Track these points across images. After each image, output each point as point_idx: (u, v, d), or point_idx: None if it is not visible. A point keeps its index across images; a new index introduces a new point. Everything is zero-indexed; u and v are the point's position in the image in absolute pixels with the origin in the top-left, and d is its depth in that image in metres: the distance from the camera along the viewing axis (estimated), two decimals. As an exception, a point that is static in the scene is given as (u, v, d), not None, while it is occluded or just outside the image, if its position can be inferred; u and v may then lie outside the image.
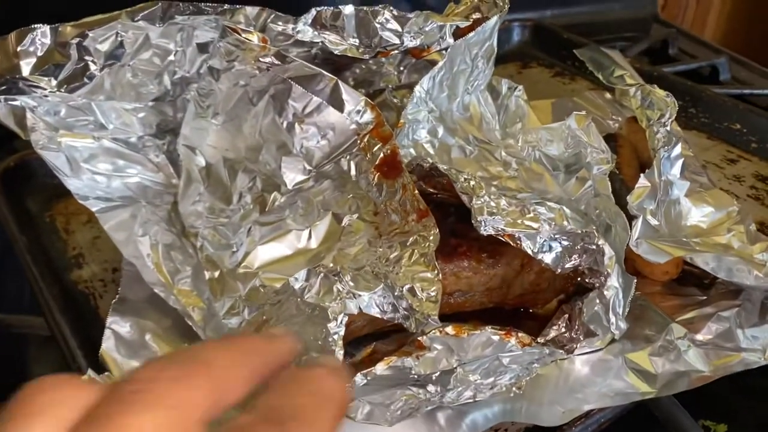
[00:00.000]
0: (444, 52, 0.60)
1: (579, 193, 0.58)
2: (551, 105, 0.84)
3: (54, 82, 0.53)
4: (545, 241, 0.49)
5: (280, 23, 0.56)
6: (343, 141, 0.52)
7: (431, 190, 0.55)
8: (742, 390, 0.56)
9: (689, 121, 0.89)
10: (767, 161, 0.81)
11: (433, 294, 0.45)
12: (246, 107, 0.54)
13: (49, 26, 0.52)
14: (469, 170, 0.59)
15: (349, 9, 0.57)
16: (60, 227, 0.68)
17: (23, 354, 0.63)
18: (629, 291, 0.51)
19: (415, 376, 0.46)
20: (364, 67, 0.68)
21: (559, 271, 0.49)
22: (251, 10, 0.56)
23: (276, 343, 0.24)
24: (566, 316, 0.51)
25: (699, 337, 0.53)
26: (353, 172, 0.52)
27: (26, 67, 0.52)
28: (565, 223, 0.49)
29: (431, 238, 0.47)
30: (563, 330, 0.50)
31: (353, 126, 0.52)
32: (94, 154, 0.56)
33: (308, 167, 0.53)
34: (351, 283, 0.46)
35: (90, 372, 0.45)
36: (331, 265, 0.48)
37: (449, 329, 0.45)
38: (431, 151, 0.61)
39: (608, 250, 0.49)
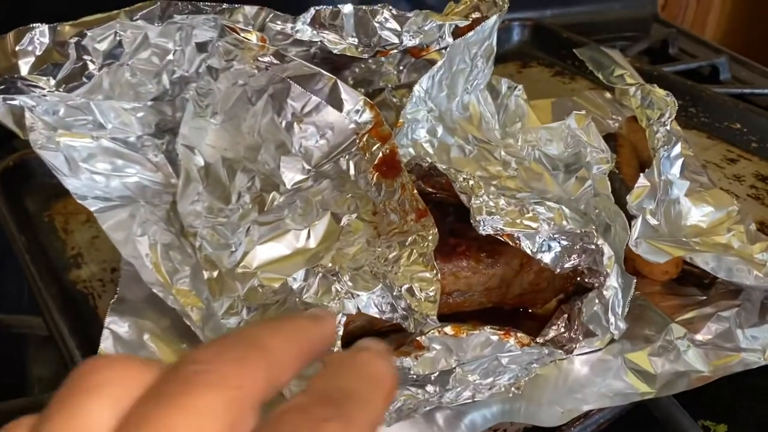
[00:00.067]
0: (443, 51, 0.60)
1: (578, 193, 0.58)
2: (551, 104, 0.84)
3: (52, 82, 0.53)
4: (544, 240, 0.48)
5: (278, 22, 0.56)
6: (342, 140, 0.52)
7: (430, 190, 0.55)
8: (742, 390, 0.56)
9: (689, 120, 0.89)
10: (767, 161, 0.81)
11: (431, 294, 0.45)
12: (245, 107, 0.54)
13: (47, 25, 0.52)
14: (469, 170, 0.59)
15: (348, 8, 0.57)
16: (59, 227, 0.68)
17: (22, 354, 0.62)
18: (629, 291, 0.51)
19: (414, 376, 0.45)
20: (363, 66, 0.68)
21: (558, 270, 0.49)
22: (250, 10, 0.55)
23: (321, 323, 0.24)
24: (565, 316, 0.51)
25: (699, 337, 0.53)
26: (352, 171, 0.52)
27: (25, 66, 0.52)
28: (564, 222, 0.49)
29: (430, 237, 0.47)
30: (562, 330, 0.50)
31: (352, 125, 0.52)
32: (92, 154, 0.56)
33: (307, 167, 0.53)
34: (349, 283, 0.46)
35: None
36: (330, 265, 0.48)
37: (448, 329, 0.45)
38: (430, 151, 0.61)
39: (607, 250, 0.49)
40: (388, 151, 0.51)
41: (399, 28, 0.58)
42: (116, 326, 0.51)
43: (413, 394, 0.46)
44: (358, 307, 0.45)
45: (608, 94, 0.83)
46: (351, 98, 0.52)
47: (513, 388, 0.48)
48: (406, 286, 0.45)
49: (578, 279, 0.52)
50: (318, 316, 0.24)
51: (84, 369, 0.21)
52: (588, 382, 0.50)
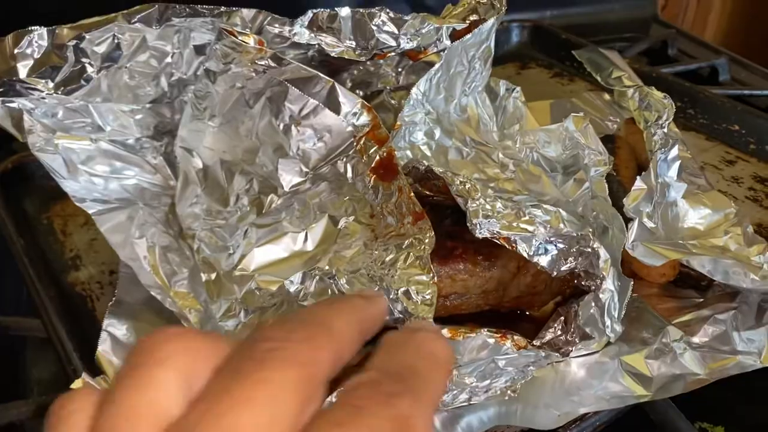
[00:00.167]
0: (441, 53, 0.60)
1: (576, 195, 0.58)
2: (550, 106, 0.84)
3: (51, 84, 0.53)
4: (541, 244, 0.49)
5: (276, 25, 0.56)
6: (340, 143, 0.52)
7: (427, 193, 0.55)
8: (739, 392, 0.56)
9: (688, 122, 0.89)
10: (766, 162, 0.81)
11: (428, 297, 0.45)
12: (242, 109, 0.54)
13: (46, 28, 0.52)
14: (466, 172, 0.59)
15: (345, 11, 0.57)
16: (57, 229, 0.68)
17: (21, 356, 0.63)
18: (625, 293, 0.51)
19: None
20: (361, 68, 0.68)
21: (554, 273, 0.49)
22: (247, 13, 0.56)
23: (374, 304, 0.25)
24: (562, 318, 0.51)
25: (695, 339, 0.53)
26: (350, 174, 0.52)
27: (23, 69, 0.52)
28: (561, 225, 0.49)
29: (426, 240, 0.47)
30: (559, 333, 0.50)
31: (350, 128, 0.52)
32: (91, 156, 0.56)
33: (305, 169, 0.53)
34: (346, 286, 0.46)
35: (84, 375, 0.45)
36: (327, 267, 0.48)
37: (445, 332, 0.45)
38: (428, 153, 0.61)
39: (603, 254, 0.49)
40: (385, 154, 0.51)
41: (396, 31, 0.58)
42: (114, 329, 0.52)
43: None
44: (354, 310, 0.45)
45: (607, 96, 0.84)
46: (348, 101, 0.52)
47: (509, 391, 0.48)
48: (402, 289, 0.45)
49: (575, 282, 0.52)
50: (371, 296, 0.25)
51: (153, 340, 0.22)
52: (585, 385, 0.50)
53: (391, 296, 0.46)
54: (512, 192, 0.57)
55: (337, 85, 0.51)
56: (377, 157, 0.51)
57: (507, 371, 0.48)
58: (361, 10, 0.57)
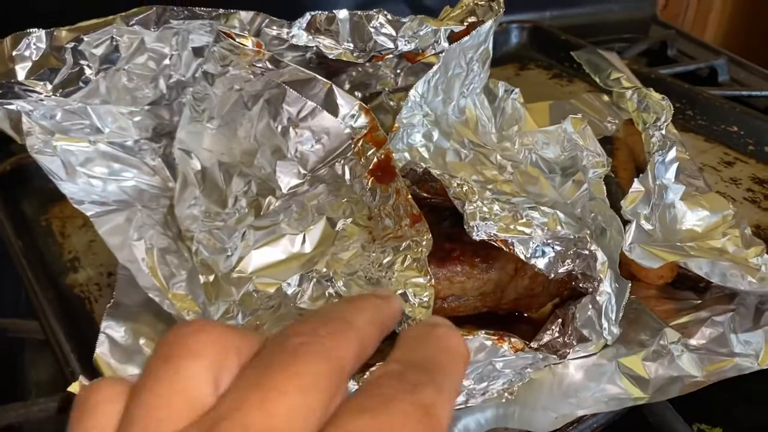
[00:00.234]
0: (439, 55, 0.60)
1: (575, 197, 0.58)
2: (549, 107, 0.84)
3: (49, 87, 0.53)
4: (538, 246, 0.49)
5: (274, 27, 0.56)
6: (338, 145, 0.52)
7: (425, 195, 0.55)
8: (737, 393, 0.56)
9: (686, 123, 0.89)
10: (764, 164, 0.81)
11: (425, 299, 0.45)
12: (241, 111, 0.54)
13: (44, 30, 0.52)
14: (464, 174, 0.59)
15: (343, 13, 0.57)
16: (56, 231, 0.68)
17: (19, 358, 0.63)
18: (623, 296, 0.51)
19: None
20: (360, 70, 0.68)
21: (552, 276, 0.49)
22: (246, 15, 0.56)
23: (391, 302, 0.26)
24: (559, 320, 0.51)
25: (693, 341, 0.53)
26: (347, 176, 0.52)
27: (21, 71, 0.52)
28: (559, 228, 0.49)
29: (424, 243, 0.47)
30: (556, 335, 0.50)
31: (347, 130, 0.52)
32: (89, 158, 0.56)
33: (303, 171, 0.53)
34: (343, 289, 0.46)
35: (81, 378, 0.45)
36: (324, 270, 0.48)
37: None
38: (426, 155, 0.61)
39: (600, 256, 0.49)
40: (382, 156, 0.51)
41: (394, 33, 0.59)
42: (112, 331, 0.52)
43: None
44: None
45: (606, 97, 0.83)
46: (346, 103, 0.52)
47: (506, 394, 0.48)
48: (399, 292, 0.46)
49: (573, 284, 0.52)
50: (387, 296, 0.26)
51: (183, 332, 0.22)
52: (582, 387, 0.50)
53: (395, 322, 0.46)
54: (510, 194, 0.57)
55: (334, 87, 0.51)
56: (375, 159, 0.51)
57: (504, 373, 0.48)
58: (358, 12, 0.57)
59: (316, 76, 0.51)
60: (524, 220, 0.49)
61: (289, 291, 0.48)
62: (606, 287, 0.49)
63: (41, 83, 0.53)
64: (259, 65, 0.52)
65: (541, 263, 0.49)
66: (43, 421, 0.51)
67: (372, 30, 0.58)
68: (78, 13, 0.54)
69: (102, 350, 0.50)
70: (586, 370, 0.51)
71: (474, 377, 0.47)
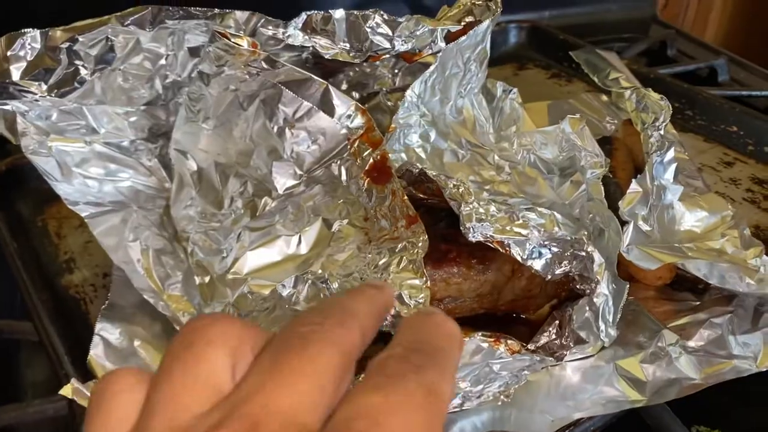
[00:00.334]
0: (437, 55, 0.60)
1: (573, 197, 0.58)
2: (547, 107, 0.83)
3: (44, 87, 0.53)
4: (534, 247, 0.48)
5: (270, 27, 0.56)
6: (334, 146, 0.52)
7: (421, 196, 0.55)
8: (735, 396, 0.56)
9: (686, 123, 0.88)
10: (763, 164, 0.81)
11: (421, 301, 0.45)
12: (236, 112, 0.54)
13: (39, 31, 0.52)
14: (461, 175, 0.59)
15: (339, 13, 0.57)
16: (52, 231, 0.68)
17: (15, 359, 0.62)
18: (621, 297, 0.51)
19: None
20: (358, 69, 0.68)
21: (549, 277, 0.49)
22: (241, 15, 0.55)
23: (384, 293, 0.28)
24: (557, 322, 0.50)
25: (691, 343, 0.52)
26: (344, 177, 0.52)
27: (16, 71, 0.52)
28: (556, 229, 0.49)
29: (420, 244, 0.46)
30: (554, 337, 0.50)
31: (344, 131, 0.51)
32: (85, 159, 0.55)
33: (299, 172, 0.53)
34: (339, 290, 0.46)
35: (74, 381, 0.45)
36: (320, 271, 0.48)
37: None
38: (423, 156, 0.61)
39: (598, 257, 0.49)
40: (378, 157, 0.50)
41: (390, 33, 0.58)
42: (106, 333, 0.51)
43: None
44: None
45: (605, 97, 0.83)
46: (343, 103, 0.51)
47: (502, 396, 0.48)
48: (395, 293, 0.45)
49: (571, 285, 0.52)
50: (381, 286, 0.28)
51: (199, 324, 0.24)
52: (580, 390, 0.50)
53: (389, 311, 0.45)
54: (507, 194, 0.57)
55: (331, 88, 0.51)
56: (371, 160, 0.51)
57: (501, 375, 0.48)
58: (355, 12, 0.57)
59: (312, 76, 0.51)
60: (521, 221, 0.48)
61: (284, 293, 0.48)
62: (603, 289, 0.49)
63: (36, 83, 0.53)
64: (255, 65, 0.52)
65: (537, 265, 0.49)
66: (38, 423, 0.51)
67: (368, 30, 0.58)
68: (78, 13, 0.53)
69: (96, 352, 0.50)
70: (584, 372, 0.51)
71: (470, 379, 0.47)
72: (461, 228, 0.48)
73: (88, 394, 0.44)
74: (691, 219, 0.58)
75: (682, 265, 0.53)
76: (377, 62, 0.65)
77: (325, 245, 0.51)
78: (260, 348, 0.24)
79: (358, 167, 0.51)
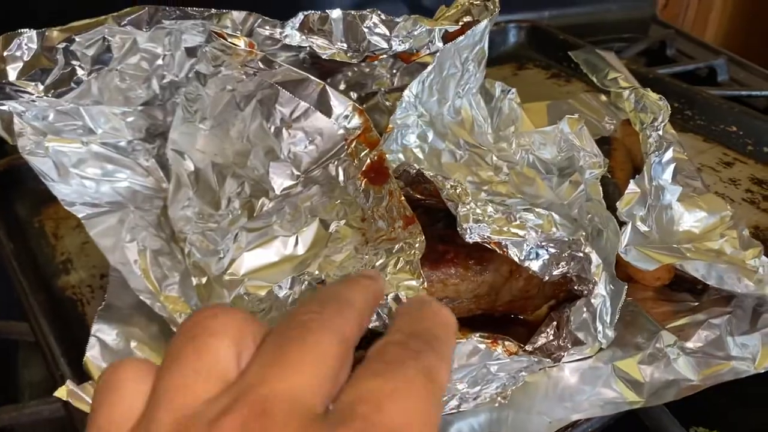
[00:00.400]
0: (435, 55, 0.59)
1: (572, 197, 0.57)
2: (546, 107, 0.83)
3: (41, 87, 0.53)
4: (532, 248, 0.48)
5: (267, 27, 0.56)
6: (331, 146, 0.52)
7: (418, 196, 0.54)
8: (733, 397, 0.56)
9: (685, 123, 0.88)
10: (763, 164, 0.81)
11: (418, 302, 0.45)
12: (233, 112, 0.53)
13: (35, 31, 0.52)
14: (459, 175, 0.59)
15: (336, 13, 0.56)
16: (49, 232, 0.68)
17: (12, 359, 0.62)
18: (619, 298, 0.51)
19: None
20: (356, 70, 0.67)
21: (546, 278, 0.49)
22: (238, 15, 0.55)
23: (376, 283, 0.29)
24: (554, 323, 0.50)
25: (689, 344, 0.52)
26: (341, 177, 0.52)
27: (13, 72, 0.52)
28: (554, 229, 0.49)
29: (417, 245, 0.46)
30: (551, 338, 0.50)
31: (341, 131, 0.51)
32: (82, 159, 0.55)
33: (296, 172, 0.53)
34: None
35: (69, 382, 0.44)
36: (317, 272, 0.48)
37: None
38: (420, 156, 0.61)
39: (595, 258, 0.49)
40: (376, 157, 0.50)
41: (388, 33, 0.58)
42: (103, 334, 0.51)
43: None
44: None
45: (604, 97, 0.83)
46: (340, 103, 0.51)
47: (499, 398, 0.48)
48: (392, 294, 0.45)
49: (569, 286, 0.52)
50: (373, 276, 0.29)
51: (202, 316, 0.25)
52: (577, 391, 0.50)
53: (381, 301, 0.45)
54: (505, 195, 0.57)
55: (328, 88, 0.51)
56: (368, 161, 0.51)
57: (499, 377, 0.47)
58: (352, 12, 0.57)
59: (309, 76, 0.51)
60: (518, 222, 0.48)
61: (281, 294, 0.48)
62: (600, 290, 0.49)
63: (33, 84, 0.52)
64: (252, 65, 0.52)
65: (535, 265, 0.48)
66: (35, 425, 0.51)
67: (366, 30, 0.57)
68: (78, 13, 0.53)
69: (92, 353, 0.50)
70: (582, 374, 0.51)
71: (468, 381, 0.47)
72: (458, 229, 0.48)
73: (83, 395, 0.44)
74: (689, 219, 0.58)
75: (680, 265, 0.53)
76: (375, 62, 0.65)
77: (322, 246, 0.51)
78: (261, 338, 0.25)
79: (355, 168, 0.51)
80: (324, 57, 0.57)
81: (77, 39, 0.53)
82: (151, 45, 0.55)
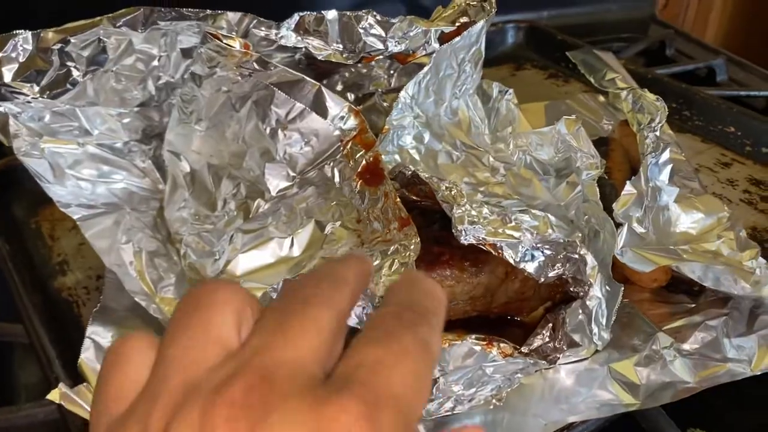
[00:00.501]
0: (431, 56, 0.59)
1: (569, 198, 0.57)
2: (544, 108, 0.83)
3: (36, 88, 0.53)
4: (527, 250, 0.48)
5: (262, 28, 0.56)
6: (327, 147, 0.52)
7: (414, 198, 0.54)
8: (730, 398, 0.56)
9: (683, 124, 0.88)
10: (761, 165, 0.81)
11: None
12: (229, 113, 0.53)
13: (30, 32, 0.52)
14: (455, 176, 0.58)
15: (332, 14, 0.56)
16: (45, 233, 0.68)
17: (8, 359, 0.62)
18: (615, 299, 0.51)
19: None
20: (353, 71, 0.67)
21: (542, 280, 0.49)
22: (233, 16, 0.55)
23: (365, 263, 0.29)
24: (550, 325, 0.50)
25: (685, 346, 0.52)
26: (337, 178, 0.52)
27: (8, 73, 0.52)
28: (549, 231, 0.49)
29: (412, 247, 0.46)
30: (547, 340, 0.50)
31: (337, 132, 0.51)
32: (78, 160, 0.55)
33: (292, 174, 0.52)
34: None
35: (62, 385, 0.44)
36: (312, 274, 0.48)
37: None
38: (417, 157, 0.61)
39: (590, 260, 0.49)
40: (371, 158, 0.50)
41: (384, 34, 0.58)
42: (98, 336, 0.51)
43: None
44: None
45: (602, 98, 0.83)
46: (336, 104, 0.51)
47: (494, 400, 0.48)
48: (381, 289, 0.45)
49: (565, 287, 0.52)
50: (361, 257, 0.30)
51: (204, 290, 0.25)
52: (573, 393, 0.50)
53: (375, 303, 0.45)
54: (502, 196, 0.57)
55: (323, 89, 0.51)
56: (364, 162, 0.50)
57: (494, 379, 0.47)
58: (347, 12, 0.57)
59: (305, 77, 0.51)
60: (513, 223, 0.48)
61: (275, 296, 0.47)
62: (596, 292, 0.49)
63: (28, 85, 0.52)
64: (247, 66, 0.52)
65: (530, 267, 0.48)
66: (30, 427, 0.51)
67: (361, 31, 0.57)
68: (78, 13, 0.53)
69: (87, 356, 0.50)
70: (578, 375, 0.51)
71: (463, 383, 0.47)
72: (453, 230, 0.48)
73: (76, 398, 0.44)
74: (686, 221, 0.58)
75: (676, 267, 0.53)
76: (372, 63, 0.65)
77: (317, 247, 0.51)
78: (259, 312, 0.25)
79: (351, 169, 0.51)
80: (320, 58, 0.57)
81: (72, 40, 0.53)
82: (147, 46, 0.55)
